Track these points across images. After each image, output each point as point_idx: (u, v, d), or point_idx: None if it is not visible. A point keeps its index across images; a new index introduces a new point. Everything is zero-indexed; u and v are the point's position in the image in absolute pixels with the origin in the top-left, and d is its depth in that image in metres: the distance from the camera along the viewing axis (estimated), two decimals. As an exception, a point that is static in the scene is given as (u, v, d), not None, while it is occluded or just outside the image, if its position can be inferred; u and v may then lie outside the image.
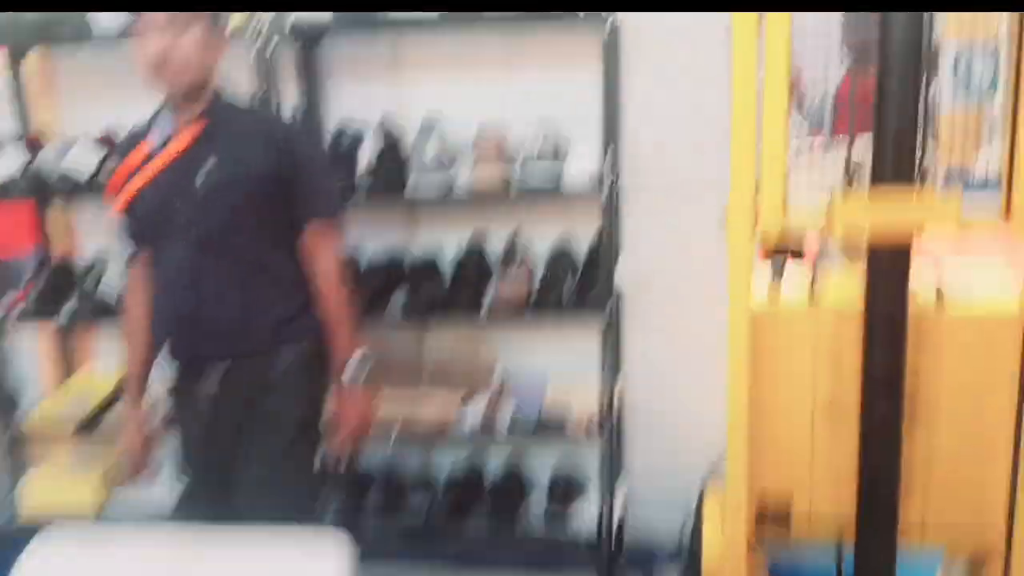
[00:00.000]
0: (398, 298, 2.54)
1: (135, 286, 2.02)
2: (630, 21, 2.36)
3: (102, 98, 2.74)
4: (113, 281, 2.63)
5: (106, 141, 2.59)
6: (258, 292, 1.90)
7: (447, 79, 2.62)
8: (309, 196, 1.93)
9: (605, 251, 2.42)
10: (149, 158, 1.88)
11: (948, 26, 2.62)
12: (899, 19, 1.43)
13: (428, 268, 2.59)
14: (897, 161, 1.48)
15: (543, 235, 2.64)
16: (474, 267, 2.56)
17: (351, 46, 2.64)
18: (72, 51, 2.73)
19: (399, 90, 2.64)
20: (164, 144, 1.88)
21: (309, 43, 2.61)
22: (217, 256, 1.88)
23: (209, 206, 1.85)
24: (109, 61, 2.61)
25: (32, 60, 2.78)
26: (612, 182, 2.33)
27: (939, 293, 1.69)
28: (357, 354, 1.98)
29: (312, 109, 2.64)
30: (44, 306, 2.64)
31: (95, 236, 2.83)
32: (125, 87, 2.07)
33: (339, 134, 2.55)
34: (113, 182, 1.95)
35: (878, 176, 1.50)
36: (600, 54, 2.33)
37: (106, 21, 2.46)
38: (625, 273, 2.46)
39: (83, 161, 2.53)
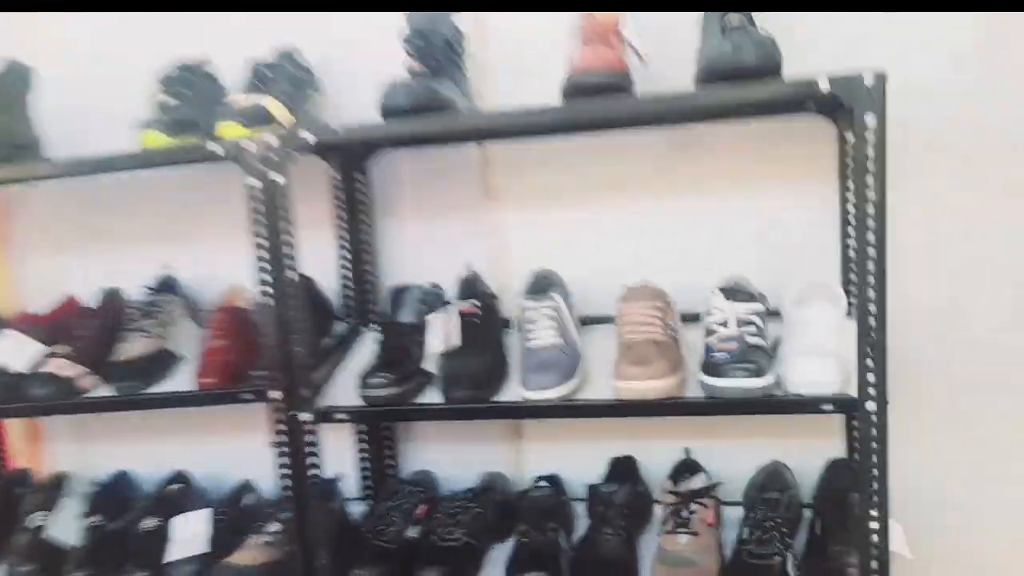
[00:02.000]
0: (498, 558, 1.53)
1: None
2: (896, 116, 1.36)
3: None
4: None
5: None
6: None
7: (572, 204, 1.67)
8: None
9: (862, 501, 1.35)
10: None
11: None
12: None
13: (546, 507, 1.57)
14: None
15: (741, 455, 1.61)
16: (623, 504, 1.53)
17: (418, 167, 1.73)
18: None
19: (492, 233, 1.70)
20: None
21: (349, 163, 1.71)
22: None
23: None
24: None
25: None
26: (873, 390, 1.28)
27: None
28: None
29: (356, 260, 1.72)
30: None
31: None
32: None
33: (398, 296, 1.61)
34: None
35: None
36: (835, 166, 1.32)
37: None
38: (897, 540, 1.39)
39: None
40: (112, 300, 1.80)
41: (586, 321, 1.58)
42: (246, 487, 1.79)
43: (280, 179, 1.38)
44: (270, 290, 1.42)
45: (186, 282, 1.80)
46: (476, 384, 1.41)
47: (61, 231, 1.93)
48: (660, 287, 1.45)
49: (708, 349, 1.34)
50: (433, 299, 1.56)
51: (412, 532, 1.56)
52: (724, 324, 1.35)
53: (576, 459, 1.68)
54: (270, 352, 1.44)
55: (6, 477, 1.95)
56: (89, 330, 1.71)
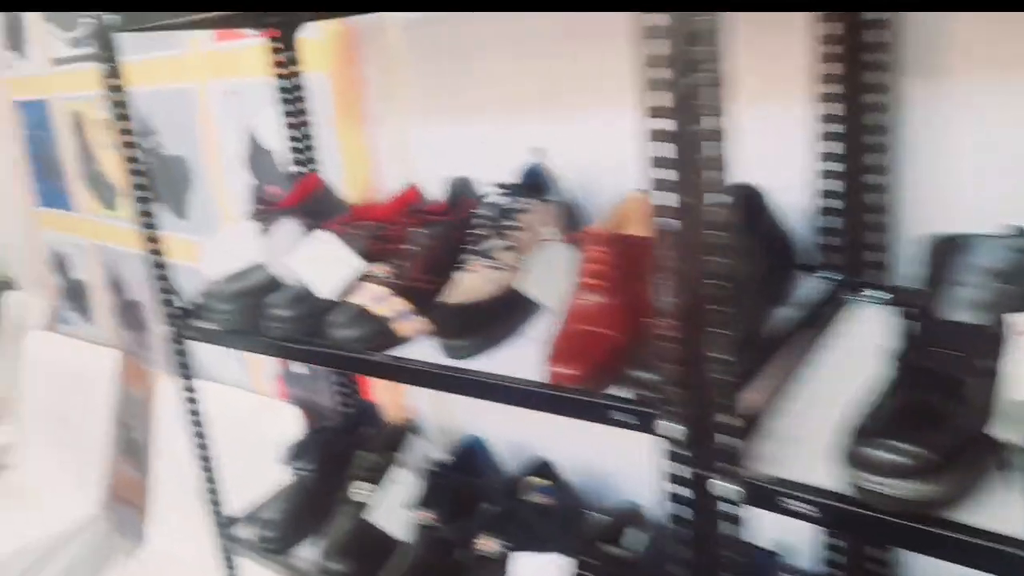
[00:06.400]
0: None
1: None
2: None
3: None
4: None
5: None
6: None
7: None
8: None
9: None
10: None
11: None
12: None
13: None
14: None
15: None
16: None
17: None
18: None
19: None
20: None
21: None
22: None
23: None
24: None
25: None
26: None
27: None
28: None
29: (852, 162, 0.89)
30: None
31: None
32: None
33: (948, 253, 0.75)
34: None
35: None
36: None
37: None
38: None
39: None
40: (463, 196, 1.21)
41: None
42: (632, 515, 1.12)
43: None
44: (674, 212, 0.67)
45: (564, 175, 1.13)
46: None
47: (422, 97, 1.36)
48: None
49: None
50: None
51: None
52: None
53: None
54: (665, 339, 0.72)
55: (352, 412, 1.53)
56: (424, 241, 1.13)
